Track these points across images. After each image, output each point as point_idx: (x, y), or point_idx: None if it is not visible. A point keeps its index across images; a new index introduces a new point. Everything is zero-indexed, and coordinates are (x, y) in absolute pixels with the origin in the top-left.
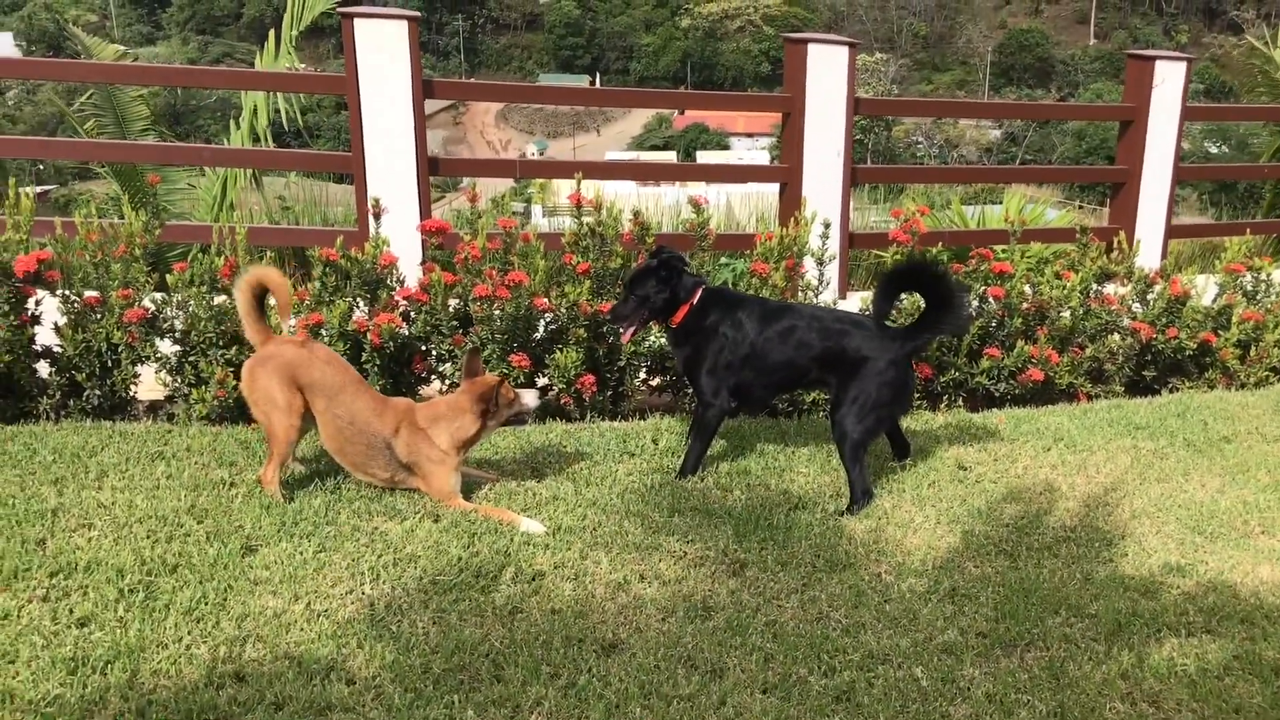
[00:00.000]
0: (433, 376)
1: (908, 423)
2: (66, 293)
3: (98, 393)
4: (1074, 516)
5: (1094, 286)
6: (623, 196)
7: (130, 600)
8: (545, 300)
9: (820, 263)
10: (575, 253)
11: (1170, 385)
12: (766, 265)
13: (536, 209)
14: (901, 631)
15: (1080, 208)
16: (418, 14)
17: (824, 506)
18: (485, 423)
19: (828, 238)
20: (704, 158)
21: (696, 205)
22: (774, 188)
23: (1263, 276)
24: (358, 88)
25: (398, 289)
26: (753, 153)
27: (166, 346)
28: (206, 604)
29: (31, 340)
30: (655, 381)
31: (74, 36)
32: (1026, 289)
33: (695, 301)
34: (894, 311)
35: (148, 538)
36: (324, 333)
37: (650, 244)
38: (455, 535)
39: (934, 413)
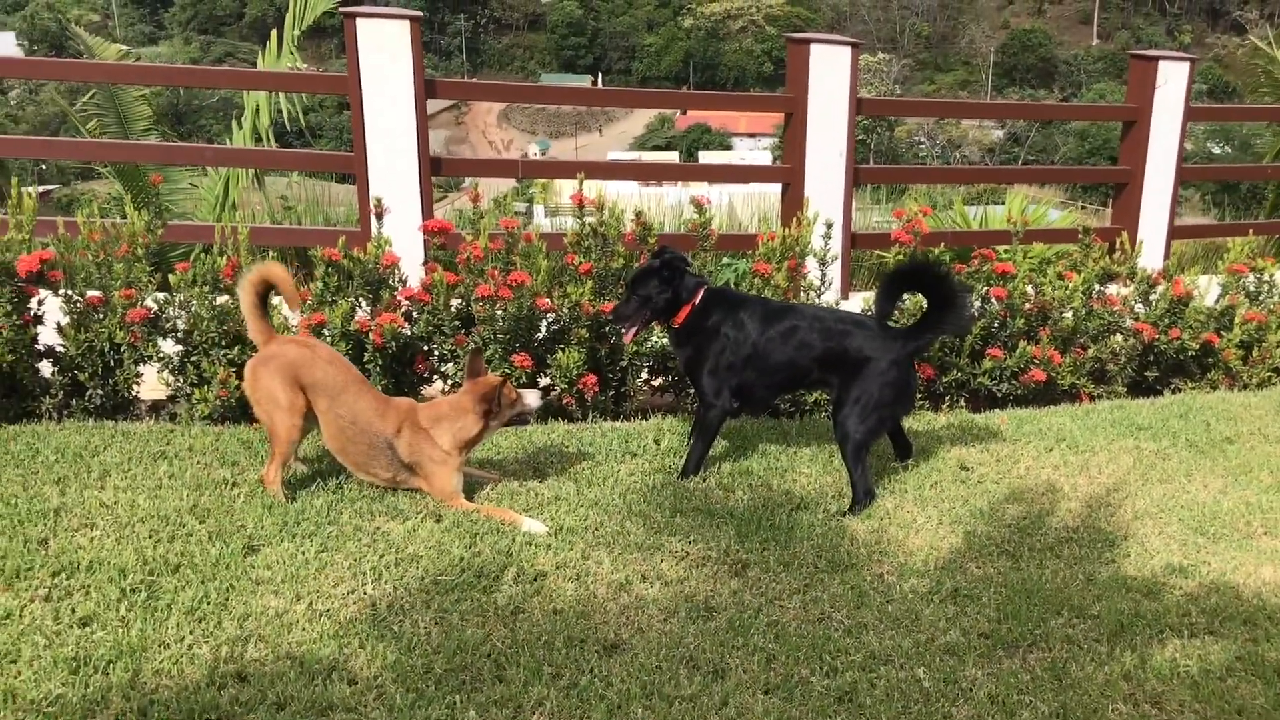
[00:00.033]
0: (435, 377)
1: (910, 423)
2: (69, 292)
3: (100, 392)
4: (1076, 517)
5: (1096, 287)
6: (625, 197)
7: (132, 600)
8: (547, 300)
9: (822, 263)
10: (577, 253)
11: (1173, 386)
12: (769, 265)
13: (539, 209)
14: (904, 632)
15: (1083, 208)
16: (420, 14)
17: (826, 507)
18: (487, 423)
19: (830, 238)
20: (706, 158)
21: (699, 205)
22: (776, 188)
23: (1265, 277)
24: (360, 87)
25: (400, 289)
26: (755, 153)
27: (169, 346)
28: (209, 604)
29: (34, 340)
30: (657, 382)
31: (76, 36)
32: (1029, 289)
33: (697, 302)
34: (896, 312)
35: (150, 537)
36: (326, 332)
37: (652, 244)
38: (457, 535)
39: (936, 413)
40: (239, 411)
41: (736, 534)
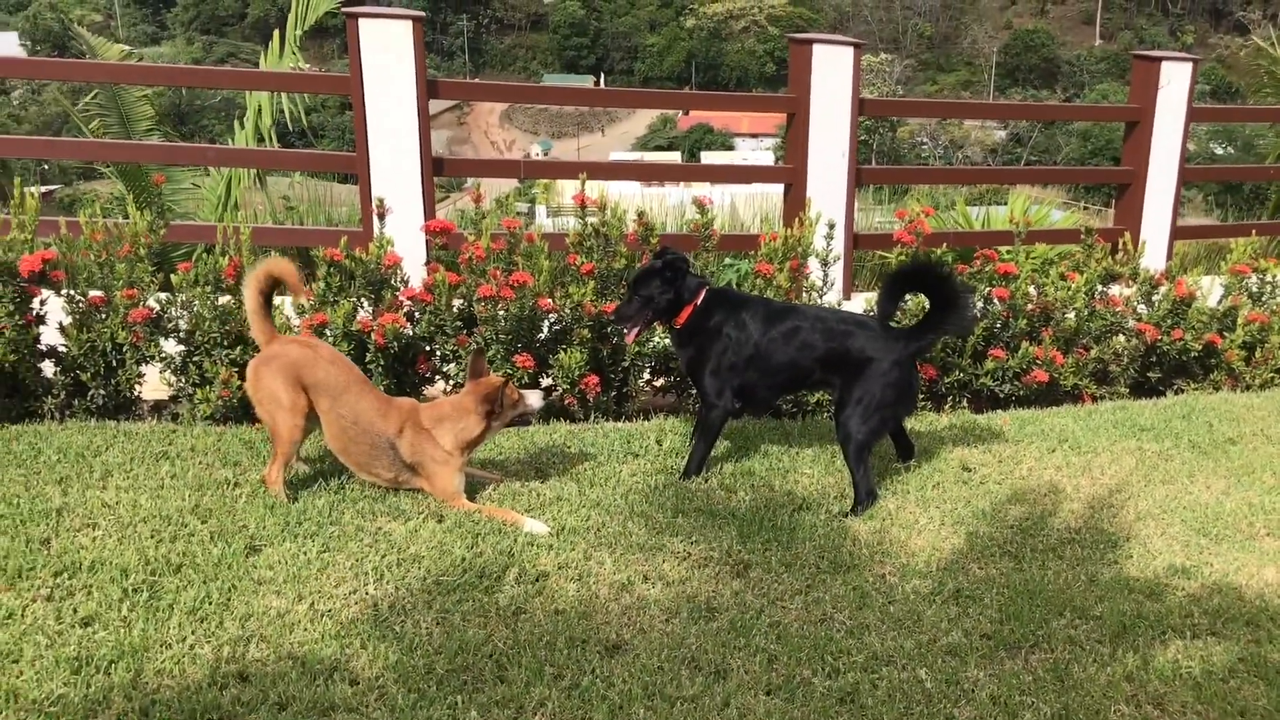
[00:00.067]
0: (437, 377)
1: (912, 424)
2: (71, 292)
3: (102, 392)
4: (1079, 518)
5: (1099, 288)
6: (627, 197)
7: (134, 600)
8: (549, 301)
9: (825, 263)
10: (579, 253)
11: (1175, 387)
12: (771, 266)
13: (541, 209)
14: (906, 633)
15: (1085, 209)
16: (422, 14)
17: (828, 508)
18: (489, 424)
19: (832, 238)
20: (708, 158)
21: (701, 206)
22: (778, 188)
23: (1268, 278)
24: (362, 88)
25: (402, 289)
26: (757, 153)
27: (171, 346)
28: (210, 604)
29: (36, 340)
30: (659, 382)
31: (79, 36)
32: (1031, 290)
33: (699, 302)
34: (898, 312)
35: (152, 537)
36: (328, 332)
37: (654, 245)
38: (459, 536)
39: (938, 414)
40: (241, 412)
41: (738, 535)
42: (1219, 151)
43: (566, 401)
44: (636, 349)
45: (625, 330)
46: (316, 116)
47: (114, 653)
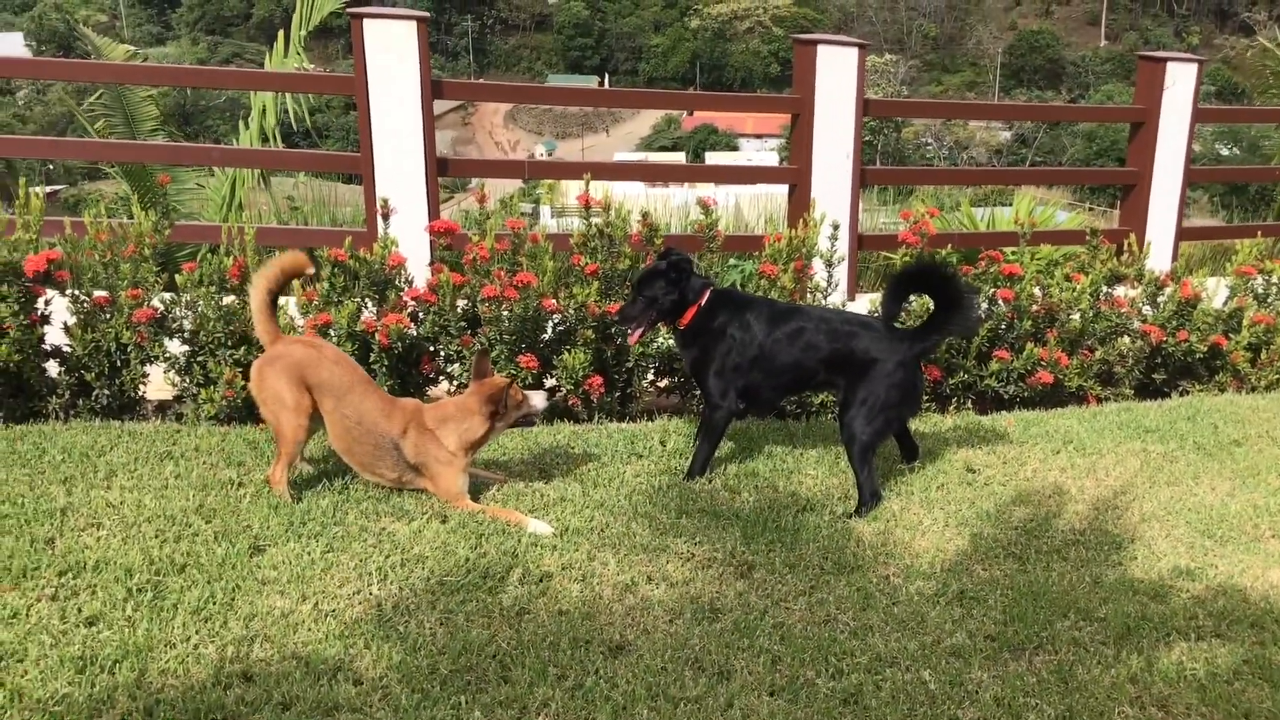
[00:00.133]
0: (441, 377)
1: (916, 425)
2: (76, 292)
3: (106, 392)
4: (1083, 520)
5: (1104, 289)
6: (631, 197)
7: (138, 600)
8: (553, 301)
9: (829, 264)
10: (583, 254)
11: (1180, 388)
12: (775, 267)
13: (545, 210)
14: (909, 634)
15: (1090, 210)
16: (426, 14)
17: (832, 508)
18: (493, 424)
19: (836, 239)
20: (713, 159)
21: (705, 206)
22: (783, 189)
23: (1274, 279)
24: (366, 88)
25: (406, 289)
26: (761, 154)
27: (175, 346)
28: (214, 604)
29: (41, 340)
30: (663, 383)
31: (84, 37)
32: (1036, 291)
33: (703, 303)
34: (903, 313)
35: (156, 537)
36: (332, 333)
37: (658, 245)
38: (463, 536)
39: (943, 415)
40: (245, 412)
41: (742, 535)
42: (1224, 152)
43: (570, 402)
44: (640, 350)
45: (629, 331)
46: (321, 117)
47: (118, 652)
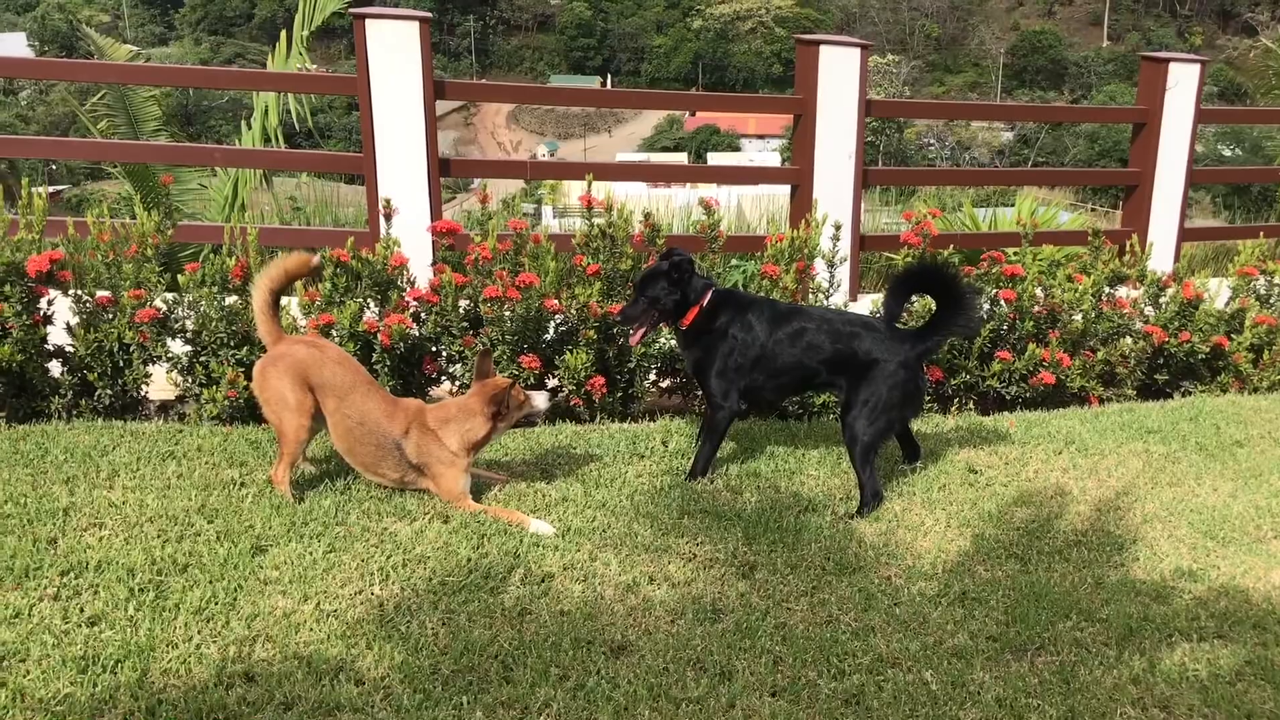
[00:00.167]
0: (443, 378)
1: (918, 425)
2: (79, 292)
3: (109, 392)
4: (1085, 520)
5: (1106, 289)
6: (633, 198)
7: (140, 599)
8: (556, 301)
9: (831, 265)
10: (586, 254)
11: (1182, 389)
12: (777, 267)
13: (547, 210)
14: (911, 635)
15: (1093, 210)
16: (429, 15)
17: (834, 509)
18: (495, 425)
19: (839, 240)
20: (715, 159)
21: (707, 207)
22: (785, 189)
23: (1276, 280)
24: (369, 88)
25: (408, 290)
26: (764, 154)
27: (178, 346)
28: (216, 604)
29: (44, 340)
30: (665, 383)
31: (87, 37)
32: (1038, 292)
33: (705, 303)
34: (905, 314)
35: (158, 537)
36: (334, 333)
37: (661, 246)
38: (464, 536)
39: (945, 415)
40: (247, 412)
41: (744, 536)
42: (1227, 153)
43: (572, 402)
44: (642, 350)
45: (631, 331)
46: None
47: (120, 652)
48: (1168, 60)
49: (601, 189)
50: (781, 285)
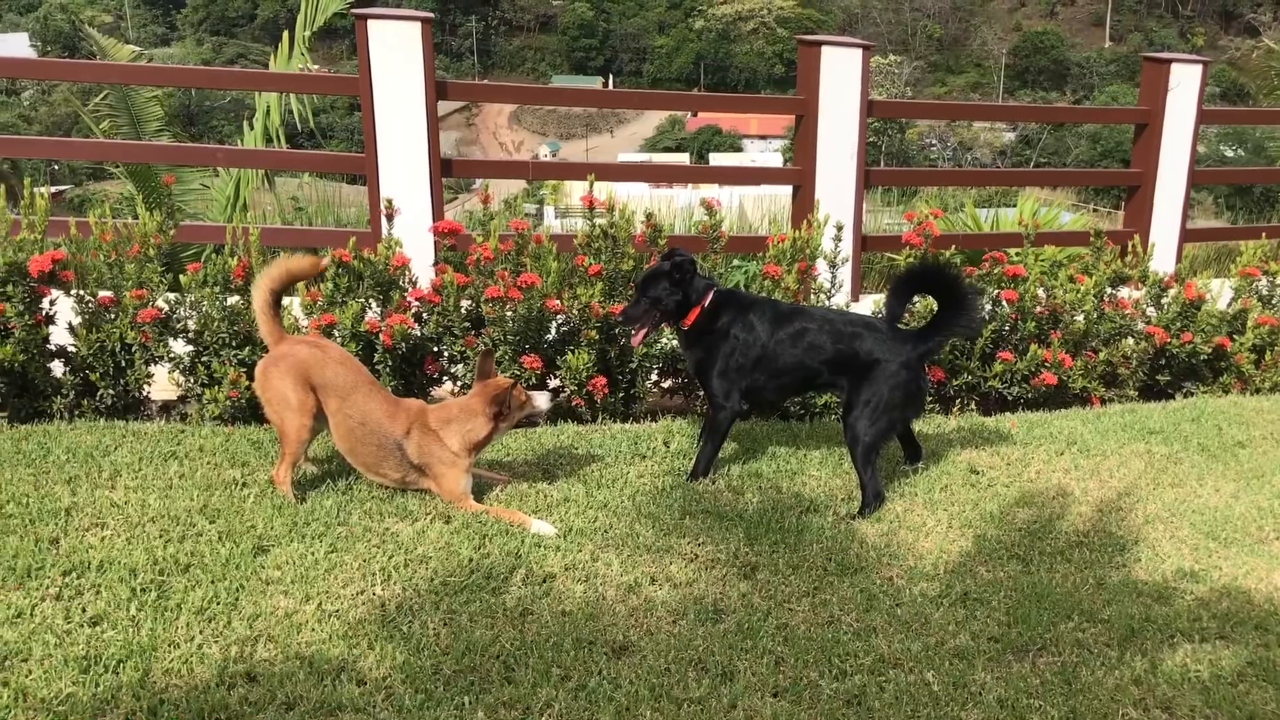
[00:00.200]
0: (445, 378)
1: (920, 426)
2: (81, 292)
3: (111, 392)
4: (1087, 521)
5: (1108, 290)
6: (635, 198)
7: (142, 599)
8: (557, 302)
9: (833, 265)
10: (587, 254)
11: (1184, 390)
12: (779, 267)
13: (549, 210)
14: (913, 636)
15: (1095, 211)
16: (431, 15)
17: (836, 510)
18: (497, 425)
19: (840, 240)
20: (717, 160)
21: (709, 207)
22: (787, 190)
23: (1278, 281)
24: (371, 89)
25: (410, 290)
26: (766, 155)
27: (180, 347)
28: (218, 604)
29: (46, 340)
30: (667, 384)
31: (89, 37)
32: (1040, 292)
33: (707, 304)
34: (907, 314)
35: (160, 537)
36: (336, 333)
37: (662, 246)
38: (466, 537)
39: (946, 416)
40: (249, 412)
41: (746, 536)
42: (1229, 154)
43: (574, 403)
44: (644, 350)
45: (633, 332)
46: (325, 117)
47: (122, 652)
48: (1170, 61)
49: (603, 189)
50: (783, 286)
